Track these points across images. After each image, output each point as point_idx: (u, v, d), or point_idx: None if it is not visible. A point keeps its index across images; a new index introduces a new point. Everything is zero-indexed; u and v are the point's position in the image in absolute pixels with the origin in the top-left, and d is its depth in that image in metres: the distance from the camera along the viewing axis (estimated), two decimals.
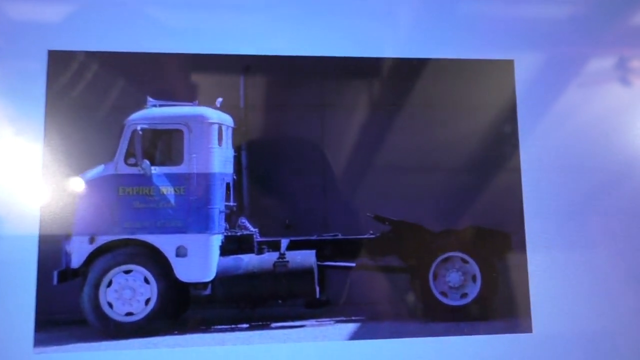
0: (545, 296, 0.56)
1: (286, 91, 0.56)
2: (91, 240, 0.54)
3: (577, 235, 0.58)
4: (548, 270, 0.56)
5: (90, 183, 0.54)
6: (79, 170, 0.53)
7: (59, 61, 0.53)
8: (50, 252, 0.52)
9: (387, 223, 0.57)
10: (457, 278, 0.57)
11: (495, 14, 0.60)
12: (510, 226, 0.56)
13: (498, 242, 0.56)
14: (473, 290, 0.57)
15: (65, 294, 0.53)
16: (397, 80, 0.57)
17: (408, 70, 0.57)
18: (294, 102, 0.57)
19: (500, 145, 0.57)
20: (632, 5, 0.62)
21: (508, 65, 0.57)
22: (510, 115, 0.57)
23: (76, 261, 0.53)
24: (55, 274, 0.51)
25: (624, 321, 0.58)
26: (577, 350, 0.56)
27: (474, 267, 0.57)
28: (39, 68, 0.52)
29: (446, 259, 0.58)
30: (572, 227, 0.58)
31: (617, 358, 0.57)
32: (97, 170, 0.54)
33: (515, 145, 0.56)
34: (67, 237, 0.53)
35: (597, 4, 0.61)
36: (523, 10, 0.61)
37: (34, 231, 0.51)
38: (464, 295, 0.57)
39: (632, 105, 0.60)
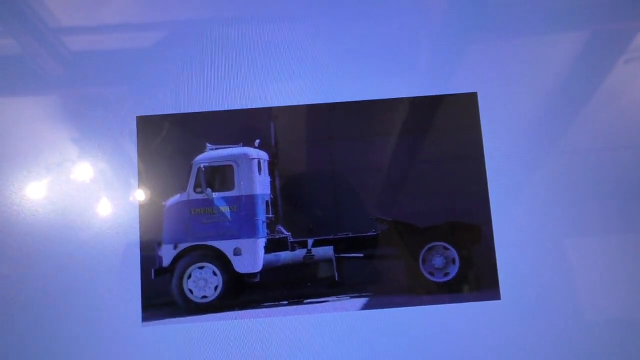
0: (511, 271, 0.61)
1: (303, 130, 0.63)
2: (175, 247, 0.62)
3: (536, 220, 0.62)
4: (512, 250, 0.61)
5: (172, 207, 0.62)
6: (165, 198, 0.62)
7: (144, 123, 0.63)
8: (149, 256, 0.60)
9: (385, 223, 0.62)
10: (440, 261, 0.62)
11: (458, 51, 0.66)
12: (480, 220, 0.62)
13: (471, 232, 0.62)
14: (453, 270, 0.62)
15: (160, 284, 0.61)
16: (384, 115, 0.64)
17: (391, 107, 0.64)
18: (310, 138, 0.64)
19: (467, 160, 0.63)
20: (594, 38, 0.66)
21: (472, 96, 0.64)
22: (475, 134, 0.63)
23: (166, 261, 0.61)
24: (152, 271, 0.60)
25: (584, 288, 0.61)
26: (540, 311, 0.60)
27: (453, 253, 0.62)
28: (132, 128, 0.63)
29: (431, 248, 0.62)
30: (531, 215, 0.62)
31: (577, 317, 0.61)
32: (176, 198, 0.63)
33: (481, 158, 0.63)
34: (159, 245, 0.61)
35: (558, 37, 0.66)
36: (485, 46, 0.66)
37: (137, 241, 0.61)
38: (446, 274, 0.62)
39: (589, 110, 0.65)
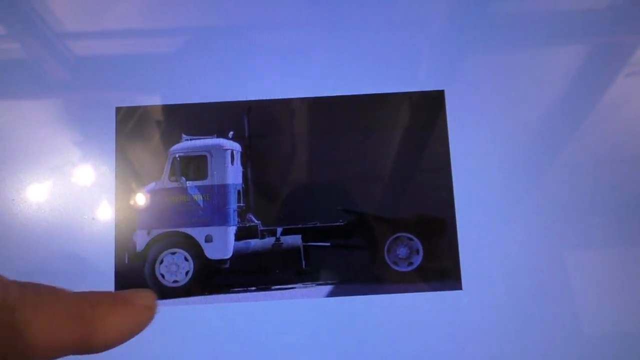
0: (472, 263, 0.63)
1: (275, 123, 0.66)
2: (149, 233, 0.63)
3: (497, 214, 0.64)
4: (475, 243, 0.64)
5: (147, 194, 0.64)
6: (140, 186, 0.64)
7: (123, 114, 0.65)
8: (123, 241, 0.63)
9: (352, 214, 0.64)
10: (404, 251, 0.64)
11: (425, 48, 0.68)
12: (444, 213, 0.64)
13: (435, 225, 0.64)
14: (417, 260, 0.64)
15: (133, 269, 0.63)
16: (350, 111, 0.66)
17: (362, 103, 0.66)
18: (281, 131, 0.66)
19: (433, 157, 0.65)
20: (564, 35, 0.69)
21: (439, 94, 0.66)
22: (441, 131, 0.65)
23: (139, 247, 0.63)
24: (126, 255, 0.62)
25: (543, 278, 0.63)
26: (500, 301, 0.62)
27: (417, 243, 0.64)
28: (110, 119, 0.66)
29: (396, 238, 0.64)
30: (493, 209, 0.64)
31: (536, 307, 0.63)
32: (151, 185, 0.64)
33: (447, 156, 0.65)
34: (134, 231, 0.63)
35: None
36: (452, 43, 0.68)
37: (112, 228, 0.63)
38: (410, 264, 0.64)
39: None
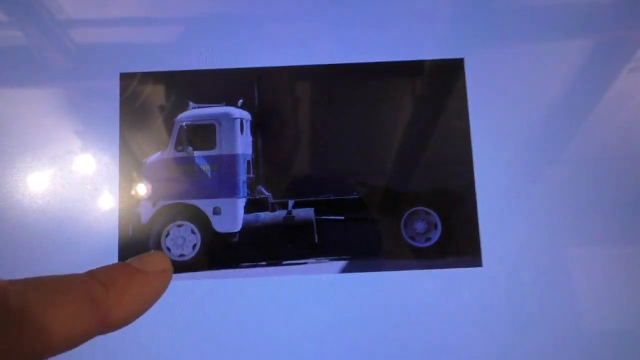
0: (493, 238, 0.61)
1: (286, 92, 0.63)
2: (154, 204, 0.61)
3: (520, 186, 0.62)
4: (495, 217, 0.61)
5: (152, 164, 0.62)
6: (145, 156, 0.62)
7: (127, 80, 0.63)
8: (127, 212, 0.61)
9: (367, 187, 0.62)
10: (422, 226, 0.62)
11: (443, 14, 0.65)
12: (463, 185, 0.62)
13: (453, 197, 0.62)
14: (435, 235, 0.62)
15: (138, 242, 0.61)
16: (367, 80, 0.64)
17: (376, 71, 0.63)
18: (293, 100, 0.63)
19: (452, 128, 0.63)
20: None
21: (459, 62, 0.64)
22: (461, 101, 0.63)
23: (144, 219, 0.61)
24: (130, 228, 0.60)
25: (568, 259, 0.61)
26: (521, 280, 0.60)
27: (435, 218, 0.62)
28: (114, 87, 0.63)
29: (413, 212, 0.62)
30: (515, 181, 0.62)
31: (559, 288, 0.60)
32: (157, 155, 0.63)
33: (466, 124, 0.62)
34: (138, 202, 0.61)
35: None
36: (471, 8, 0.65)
37: (115, 198, 0.61)
38: (428, 239, 0.62)
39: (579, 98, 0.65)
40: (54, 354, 0.19)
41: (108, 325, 0.20)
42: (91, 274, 0.21)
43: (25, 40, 0.66)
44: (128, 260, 0.23)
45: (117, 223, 0.61)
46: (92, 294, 0.20)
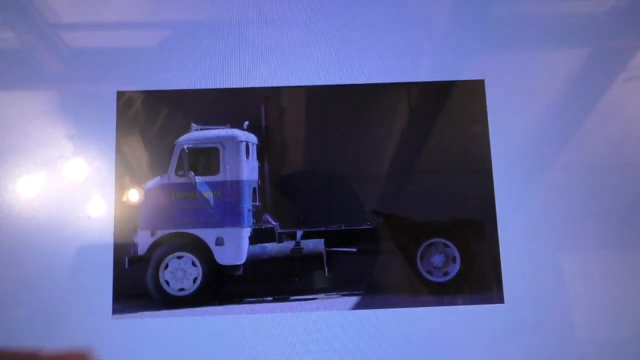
0: (515, 273, 0.58)
1: (296, 114, 0.60)
2: (152, 234, 0.59)
3: (543, 218, 0.59)
4: (518, 250, 0.58)
5: (150, 190, 0.59)
6: (142, 181, 0.59)
7: (125, 99, 0.59)
8: (123, 243, 0.57)
9: (381, 216, 0.59)
10: (440, 259, 0.59)
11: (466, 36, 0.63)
12: (483, 216, 0.59)
13: (473, 229, 0.59)
14: (453, 269, 0.59)
15: (134, 274, 0.58)
16: (383, 102, 0.61)
17: (392, 93, 0.61)
18: (303, 123, 0.61)
19: (473, 151, 0.60)
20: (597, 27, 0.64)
21: (479, 84, 0.61)
22: (481, 125, 0.60)
23: (141, 250, 0.58)
24: (126, 259, 0.57)
25: (590, 292, 0.58)
26: (545, 318, 0.57)
27: (453, 251, 0.59)
28: (111, 104, 0.60)
29: (430, 244, 0.59)
30: (538, 213, 0.59)
31: (586, 326, 0.57)
32: (155, 181, 0.59)
33: (487, 150, 0.60)
34: (135, 232, 0.58)
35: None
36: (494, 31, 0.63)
37: (110, 227, 0.57)
38: (446, 273, 0.59)
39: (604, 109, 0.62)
40: None
41: None
42: None
43: (27, 46, 0.62)
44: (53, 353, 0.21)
45: (111, 254, 0.57)
46: None
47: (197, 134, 0.61)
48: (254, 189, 0.62)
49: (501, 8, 0.64)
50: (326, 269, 0.59)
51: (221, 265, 0.60)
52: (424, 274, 0.59)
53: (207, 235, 0.60)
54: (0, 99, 0.61)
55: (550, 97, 0.62)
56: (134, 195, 0.59)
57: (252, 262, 0.60)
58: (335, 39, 0.61)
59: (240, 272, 0.60)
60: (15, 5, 0.62)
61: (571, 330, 0.58)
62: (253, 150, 0.62)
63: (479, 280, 0.59)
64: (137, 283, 0.58)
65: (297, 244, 0.60)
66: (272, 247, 0.60)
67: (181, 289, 0.60)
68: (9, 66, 0.61)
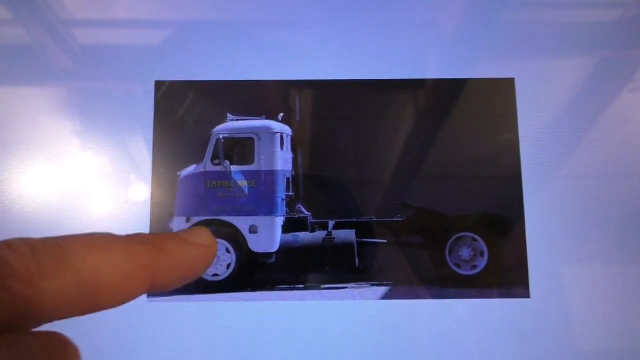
0: (542, 268, 0.58)
1: (330, 107, 0.61)
2: (187, 220, 0.59)
3: (570, 217, 0.59)
4: (544, 245, 0.59)
5: (186, 178, 0.60)
6: (179, 169, 0.60)
7: (163, 89, 0.60)
8: (159, 229, 0.58)
9: (412, 209, 0.60)
10: (468, 253, 0.60)
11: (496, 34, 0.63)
12: (511, 211, 0.59)
13: (502, 224, 0.59)
14: (481, 263, 0.59)
15: None
16: (416, 96, 0.62)
17: (424, 89, 0.61)
18: (336, 115, 0.61)
19: (501, 150, 0.61)
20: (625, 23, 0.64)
21: (509, 82, 0.61)
22: (511, 121, 0.61)
23: None
24: None
25: (615, 290, 0.58)
26: (571, 313, 0.58)
27: (482, 245, 0.60)
28: (149, 94, 0.61)
29: (459, 238, 0.60)
30: (566, 209, 0.60)
31: (610, 321, 0.58)
32: (191, 169, 0.60)
33: (516, 146, 0.60)
34: (171, 218, 0.59)
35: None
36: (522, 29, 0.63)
37: (147, 213, 0.58)
38: (474, 267, 0.59)
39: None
40: (102, 307, 0.20)
41: (152, 286, 0.21)
42: (142, 236, 0.22)
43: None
44: (176, 231, 0.23)
45: None
46: (141, 256, 0.21)
47: (233, 124, 0.62)
48: (288, 179, 0.62)
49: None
50: (357, 259, 0.60)
51: (254, 253, 0.61)
52: (453, 267, 0.60)
53: (242, 223, 0.61)
54: (56, 91, 0.62)
55: (581, 97, 0.62)
56: (170, 182, 0.60)
57: (285, 250, 0.60)
58: (375, 35, 0.62)
59: (272, 259, 0.60)
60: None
61: (595, 328, 0.58)
62: (288, 142, 0.62)
63: (505, 275, 0.59)
64: None
65: (329, 234, 0.61)
66: (304, 236, 0.61)
67: (215, 275, 0.60)
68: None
